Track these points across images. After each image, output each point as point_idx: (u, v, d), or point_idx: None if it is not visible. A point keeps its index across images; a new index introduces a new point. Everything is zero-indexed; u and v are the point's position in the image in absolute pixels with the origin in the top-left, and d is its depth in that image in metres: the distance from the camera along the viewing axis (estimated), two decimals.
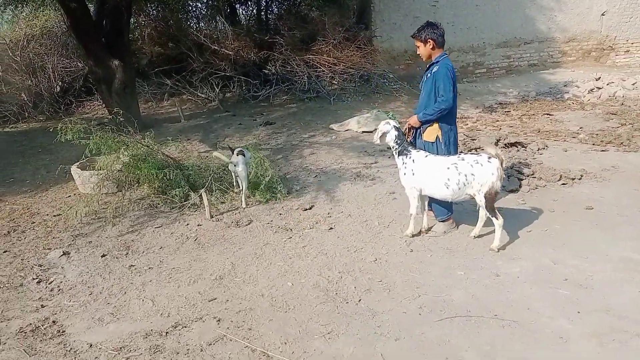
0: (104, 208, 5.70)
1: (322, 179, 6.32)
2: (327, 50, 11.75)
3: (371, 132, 8.68)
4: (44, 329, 3.48)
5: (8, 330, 3.48)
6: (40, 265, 4.44)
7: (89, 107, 11.71)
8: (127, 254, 4.62)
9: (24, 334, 3.42)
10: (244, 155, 5.66)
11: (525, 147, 6.98)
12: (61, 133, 5.40)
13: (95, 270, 4.33)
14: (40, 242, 4.94)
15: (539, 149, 6.91)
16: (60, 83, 11.66)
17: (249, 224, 5.12)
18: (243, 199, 5.56)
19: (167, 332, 3.33)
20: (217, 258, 4.42)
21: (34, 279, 4.20)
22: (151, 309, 3.65)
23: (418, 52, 4.53)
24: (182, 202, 5.58)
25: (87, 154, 5.58)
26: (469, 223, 4.78)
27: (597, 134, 7.49)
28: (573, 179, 5.64)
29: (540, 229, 4.56)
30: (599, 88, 10.78)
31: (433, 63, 4.40)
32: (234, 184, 5.90)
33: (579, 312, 3.23)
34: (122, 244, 4.83)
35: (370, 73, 11.70)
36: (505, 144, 6.98)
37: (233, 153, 5.77)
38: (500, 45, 13.12)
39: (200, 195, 5.43)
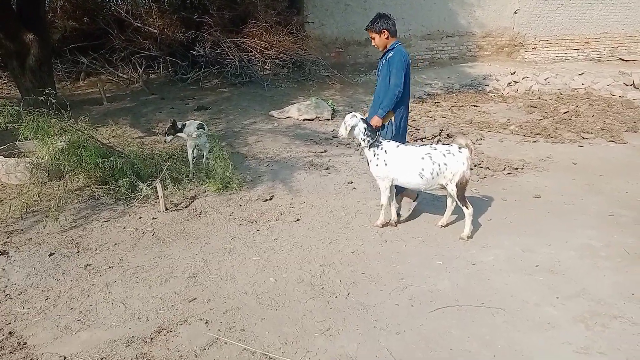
0: (35, 200, 5.13)
1: (275, 168, 6.16)
2: (258, 34, 11.41)
3: (312, 120, 8.63)
4: (0, 342, 3.04)
5: None
6: None
7: None
8: (78, 251, 4.18)
9: None
10: (204, 128, 5.85)
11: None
12: None
13: (45, 271, 3.86)
14: None
15: (477, 140, 7.25)
16: None
17: (209, 216, 4.86)
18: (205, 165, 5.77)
19: (151, 338, 3.05)
20: (184, 254, 4.14)
21: None
22: (125, 313, 3.33)
23: (374, 44, 4.69)
24: (129, 194, 5.15)
25: (22, 139, 4.96)
26: (431, 212, 4.91)
27: (524, 126, 8.01)
28: (516, 169, 5.99)
29: (499, 217, 4.79)
30: (516, 82, 11.54)
31: (388, 50, 4.56)
32: (191, 162, 5.85)
33: (557, 298, 3.43)
34: (69, 241, 4.36)
35: (303, 59, 11.56)
36: (447, 134, 7.24)
37: (181, 127, 5.80)
38: (425, 38, 13.56)
39: (154, 185, 5.04)
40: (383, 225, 4.57)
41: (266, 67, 11.36)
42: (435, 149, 4.29)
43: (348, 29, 12.83)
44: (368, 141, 4.39)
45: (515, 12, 14.09)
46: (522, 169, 6.00)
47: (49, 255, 4.08)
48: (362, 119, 4.43)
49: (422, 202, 5.11)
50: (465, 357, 2.89)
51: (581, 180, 5.65)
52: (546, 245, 4.18)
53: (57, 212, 4.69)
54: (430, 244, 4.29)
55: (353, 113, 4.50)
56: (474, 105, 9.80)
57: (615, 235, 4.32)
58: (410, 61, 4.69)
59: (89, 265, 3.95)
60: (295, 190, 5.50)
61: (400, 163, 4.30)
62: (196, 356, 2.91)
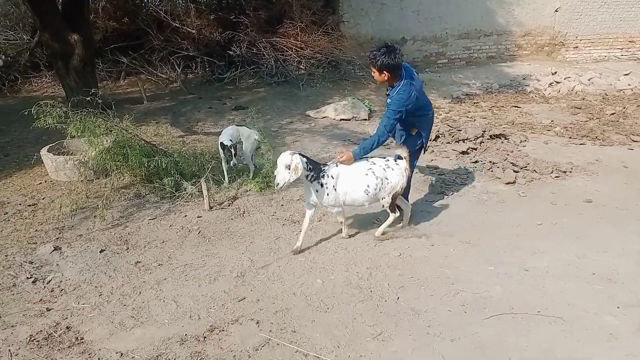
0: (83, 198, 5.24)
1: None
2: (294, 34, 11.42)
3: (349, 120, 8.60)
4: (59, 336, 3.12)
5: (16, 338, 3.08)
6: (31, 262, 3.98)
7: (36, 84, 10.74)
8: (128, 248, 4.25)
9: (36, 343, 3.04)
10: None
11: (508, 139, 7.14)
12: (40, 117, 4.87)
13: (97, 267, 3.94)
14: (21, 236, 4.44)
15: (521, 141, 7.08)
16: (3, 57, 10.58)
17: (252, 215, 4.87)
18: (251, 171, 5.73)
19: (204, 337, 3.07)
20: (231, 253, 4.16)
21: (27, 278, 3.77)
22: (177, 311, 3.36)
23: (372, 74, 4.26)
24: (174, 192, 5.21)
25: (69, 138, 5.09)
26: (477, 215, 4.80)
27: (570, 128, 7.79)
28: (565, 172, 5.81)
29: (549, 221, 4.65)
30: (558, 82, 11.23)
31: (394, 87, 4.14)
32: (231, 163, 5.36)
33: (618, 308, 3.30)
34: (119, 238, 4.44)
35: (338, 59, 11.52)
36: (490, 136, 7.10)
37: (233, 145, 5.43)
38: (462, 37, 13.33)
39: (199, 184, 5.09)
40: (298, 252, 4.14)
41: (301, 66, 11.36)
42: (374, 164, 4.13)
43: (384, 28, 12.71)
44: (312, 176, 3.98)
45: (556, 11, 13.72)
46: (570, 172, 5.82)
47: (100, 252, 4.16)
48: (300, 154, 3.91)
49: (467, 205, 5.00)
50: None
51: (634, 184, 5.44)
52: (601, 252, 4.04)
53: (105, 209, 4.78)
54: (478, 248, 4.19)
55: (286, 153, 3.88)
56: (515, 106, 9.58)
57: None
58: (421, 61, 4.32)
59: (139, 262, 4.02)
60: None
61: (347, 182, 4.07)
62: (249, 356, 2.91)
